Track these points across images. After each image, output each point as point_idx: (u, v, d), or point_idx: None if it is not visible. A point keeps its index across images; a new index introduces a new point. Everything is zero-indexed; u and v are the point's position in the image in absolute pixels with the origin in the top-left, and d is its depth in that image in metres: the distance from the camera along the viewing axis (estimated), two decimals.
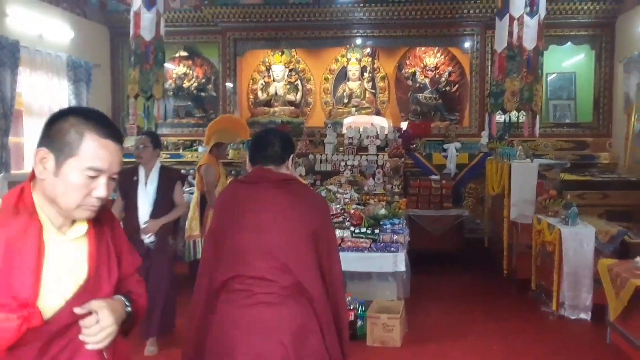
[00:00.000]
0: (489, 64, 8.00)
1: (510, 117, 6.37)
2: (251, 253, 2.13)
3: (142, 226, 4.19)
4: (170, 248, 4.44)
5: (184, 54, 8.70)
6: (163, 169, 4.39)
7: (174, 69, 8.71)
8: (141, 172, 4.30)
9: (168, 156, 8.24)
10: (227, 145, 5.95)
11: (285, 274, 2.11)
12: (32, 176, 1.47)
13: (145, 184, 4.26)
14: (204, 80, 8.72)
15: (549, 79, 8.22)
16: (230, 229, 2.20)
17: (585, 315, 4.97)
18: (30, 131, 6.45)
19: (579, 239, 4.97)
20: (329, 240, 2.31)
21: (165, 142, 8.46)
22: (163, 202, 4.30)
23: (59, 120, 1.46)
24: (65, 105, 7.00)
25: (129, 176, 4.24)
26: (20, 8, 6.29)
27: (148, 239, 4.20)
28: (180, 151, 8.32)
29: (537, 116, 5.95)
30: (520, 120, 6.45)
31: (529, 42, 5.88)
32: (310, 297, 2.14)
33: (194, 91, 8.72)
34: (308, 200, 2.31)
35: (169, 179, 4.38)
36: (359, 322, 4.62)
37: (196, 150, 8.31)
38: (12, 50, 5.92)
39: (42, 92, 6.63)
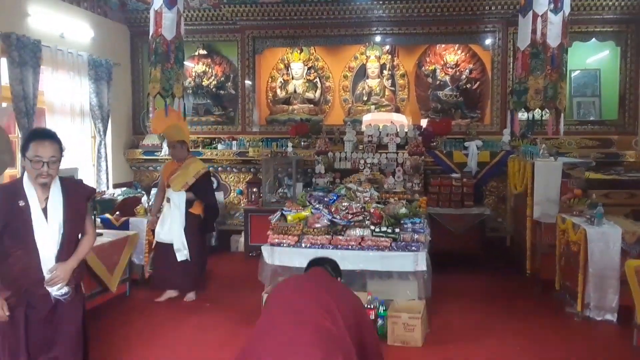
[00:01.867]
0: (511, 61, 7.88)
1: (533, 114, 6.26)
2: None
3: (47, 275, 2.96)
4: (83, 297, 3.25)
5: (203, 52, 8.72)
6: (66, 184, 3.09)
7: (193, 67, 8.73)
8: (30, 192, 2.95)
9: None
10: (175, 144, 5.84)
11: None
12: None
13: (45, 210, 2.96)
14: (223, 79, 8.73)
15: (572, 75, 8.07)
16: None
17: (611, 317, 4.87)
18: (52, 129, 6.49)
19: (605, 240, 4.87)
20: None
21: None
22: (73, 235, 3.11)
23: None
24: (86, 104, 7.08)
25: (9, 200, 2.92)
26: (41, 8, 6.35)
27: (57, 291, 2.99)
28: (200, 149, 8.34)
29: (562, 114, 5.83)
30: (544, 118, 6.34)
31: (553, 39, 5.76)
32: None
33: (213, 89, 8.73)
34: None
35: (78, 197, 3.14)
36: (380, 322, 4.58)
37: (215, 147, 8.33)
38: (34, 50, 5.98)
39: (64, 91, 6.68)
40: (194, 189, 5.73)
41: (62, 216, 2.99)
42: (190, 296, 5.75)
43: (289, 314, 2.57)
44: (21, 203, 2.91)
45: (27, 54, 5.87)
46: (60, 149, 2.98)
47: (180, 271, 5.67)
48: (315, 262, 3.40)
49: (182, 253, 5.61)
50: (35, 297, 2.97)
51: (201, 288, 5.97)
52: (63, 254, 3.02)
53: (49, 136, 2.96)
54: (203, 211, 5.86)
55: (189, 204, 5.71)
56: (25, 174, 2.95)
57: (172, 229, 5.63)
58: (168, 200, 5.69)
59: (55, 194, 3.00)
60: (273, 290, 3.02)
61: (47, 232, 2.95)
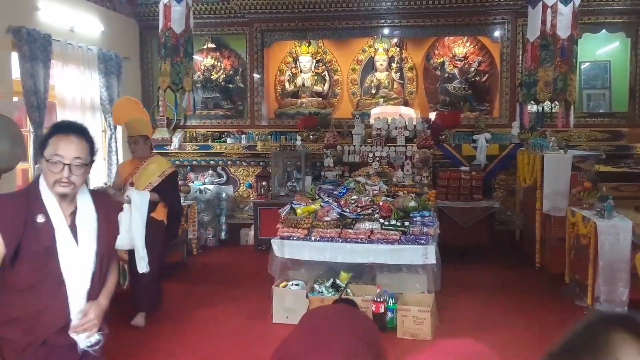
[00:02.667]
0: (520, 53, 7.83)
1: (543, 107, 6.23)
2: None
3: (76, 319, 2.15)
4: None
5: (212, 45, 8.73)
6: (95, 195, 2.35)
7: (202, 60, 8.75)
8: (51, 203, 2.15)
9: (197, 148, 8.31)
10: (137, 139, 5.06)
11: None
12: None
13: (73, 228, 2.18)
14: (231, 72, 8.74)
15: (582, 67, 8.02)
16: None
17: (622, 310, 4.86)
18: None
19: (615, 233, 4.85)
20: None
21: (194, 134, 8.55)
22: (108, 263, 2.34)
23: None
24: (97, 98, 7.11)
25: (23, 214, 2.10)
26: (51, 2, 6.38)
27: (87, 339, 2.17)
28: (209, 142, 8.37)
29: (572, 106, 5.81)
30: (553, 111, 6.31)
31: (563, 30, 5.73)
32: None
33: (222, 83, 8.75)
34: None
35: (110, 211, 2.39)
36: (389, 315, 4.60)
37: (224, 141, 8.36)
38: (45, 44, 6.01)
39: (74, 85, 6.72)
40: (159, 191, 4.93)
41: (96, 237, 2.22)
42: (139, 320, 4.82)
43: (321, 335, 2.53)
44: (40, 218, 2.10)
45: (37, 48, 5.90)
46: (91, 150, 2.25)
47: (139, 286, 4.92)
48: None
49: (143, 263, 4.67)
50: (55, 350, 2.14)
51: (156, 309, 5.11)
52: (95, 290, 2.23)
53: (77, 131, 2.22)
54: (167, 217, 5.06)
55: (151, 207, 4.84)
56: (41, 179, 2.15)
57: (131, 233, 4.63)
58: (128, 202, 4.70)
59: (86, 206, 2.24)
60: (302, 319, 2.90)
61: (78, 258, 2.15)
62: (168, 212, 5.07)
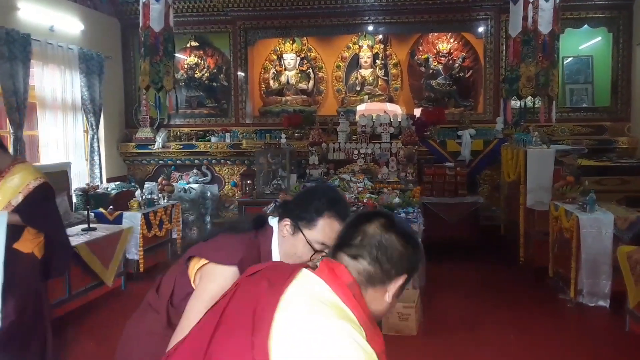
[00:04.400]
0: (504, 49, 7.86)
1: (525, 102, 6.26)
2: None
3: None
4: None
5: (195, 44, 8.67)
6: None
7: (186, 59, 8.69)
8: None
9: (181, 147, 8.26)
10: None
11: None
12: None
13: None
14: (215, 70, 8.69)
15: (565, 62, 8.06)
16: None
17: (604, 303, 4.90)
18: (44, 123, 6.48)
19: (597, 226, 4.89)
20: None
21: (178, 133, 8.49)
22: None
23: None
24: (78, 98, 7.03)
25: None
26: (30, 2, 6.29)
27: None
28: (194, 141, 8.32)
29: (554, 102, 5.84)
30: (536, 106, 6.34)
31: (545, 26, 5.76)
32: None
33: (206, 81, 8.69)
34: None
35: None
36: None
37: (209, 140, 8.31)
38: (24, 44, 5.93)
39: (55, 85, 6.64)
40: (21, 212, 3.46)
41: None
42: None
43: None
44: None
45: (16, 49, 5.82)
46: None
47: None
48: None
49: None
50: None
51: None
52: None
53: None
54: (43, 249, 3.65)
55: (15, 234, 3.43)
56: (277, 236, 1.96)
57: None
58: None
59: None
60: None
61: None
62: (46, 243, 3.67)
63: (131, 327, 2.01)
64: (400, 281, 1.34)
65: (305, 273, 1.35)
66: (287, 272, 1.36)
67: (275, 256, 1.86)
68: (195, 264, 1.84)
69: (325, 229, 1.78)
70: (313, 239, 1.79)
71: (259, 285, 1.33)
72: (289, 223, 1.83)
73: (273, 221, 1.92)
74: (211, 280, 1.75)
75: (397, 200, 5.34)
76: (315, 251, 1.79)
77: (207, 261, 1.80)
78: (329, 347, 1.15)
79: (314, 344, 1.16)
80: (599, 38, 8.06)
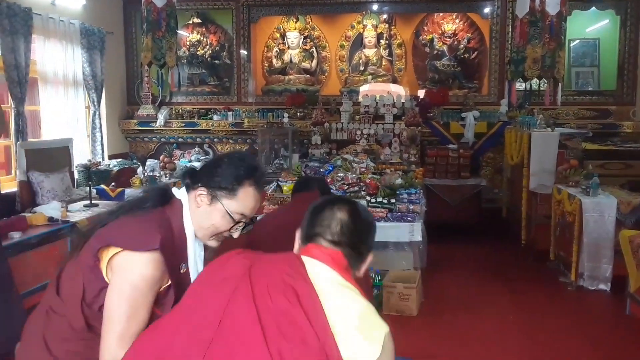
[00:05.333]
0: (510, 30, 7.76)
1: (531, 85, 6.21)
2: None
3: None
4: None
5: (198, 20, 8.57)
6: None
7: (188, 36, 8.60)
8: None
9: (183, 124, 8.22)
10: None
11: None
12: None
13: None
14: (218, 48, 8.60)
15: (571, 45, 7.98)
16: None
17: (605, 286, 4.91)
18: (46, 99, 6.43)
19: (599, 210, 4.88)
20: None
21: (180, 111, 8.44)
22: None
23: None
24: (79, 73, 6.97)
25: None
26: None
27: None
28: (195, 119, 8.28)
29: (560, 84, 5.79)
30: (541, 88, 6.29)
31: (552, 7, 5.69)
32: None
33: (208, 59, 8.61)
34: None
35: None
36: (375, 291, 4.61)
37: (211, 118, 8.26)
38: (25, 18, 5.86)
39: (56, 60, 6.58)
40: None
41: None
42: None
43: None
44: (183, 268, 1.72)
45: (18, 23, 5.75)
46: None
47: None
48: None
49: None
50: None
51: None
52: None
53: None
54: None
55: None
56: (188, 209, 1.74)
57: None
58: None
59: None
60: None
61: None
62: None
63: (33, 336, 1.68)
64: (368, 259, 1.51)
65: (308, 260, 1.41)
66: (292, 264, 1.39)
67: (189, 230, 1.70)
68: (105, 255, 1.58)
69: (246, 199, 1.69)
70: (233, 210, 1.68)
71: (273, 288, 1.34)
72: (204, 192, 1.68)
73: (179, 192, 1.75)
74: (129, 270, 1.54)
75: (399, 181, 5.32)
76: (235, 222, 1.70)
77: (119, 249, 1.56)
78: (369, 323, 1.32)
79: (358, 322, 1.30)
80: (607, 20, 7.95)
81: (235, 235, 1.75)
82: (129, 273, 1.54)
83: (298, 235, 1.53)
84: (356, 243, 1.46)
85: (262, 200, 1.82)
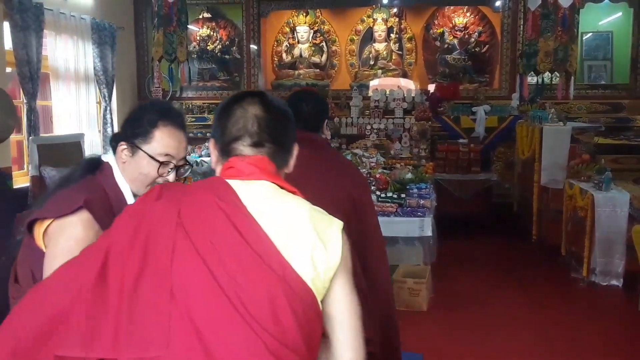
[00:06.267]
0: (522, 23, 7.69)
1: (543, 78, 6.16)
2: None
3: None
4: None
5: (208, 15, 8.57)
6: None
7: (198, 31, 8.61)
8: None
9: (194, 120, 8.24)
10: None
11: None
12: None
13: None
14: (228, 43, 8.60)
15: (584, 38, 7.89)
16: None
17: (617, 282, 4.87)
18: (57, 94, 6.47)
19: (612, 205, 4.84)
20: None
21: (190, 105, 8.46)
22: None
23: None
24: (91, 68, 7.01)
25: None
26: None
27: None
28: (205, 114, 8.30)
29: (572, 77, 5.74)
30: (553, 82, 6.24)
31: None
32: None
33: (218, 54, 8.62)
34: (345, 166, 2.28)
35: None
36: None
37: None
38: (37, 14, 5.89)
39: (68, 56, 6.61)
40: None
41: None
42: None
43: None
44: None
45: (29, 18, 5.78)
46: None
47: None
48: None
49: None
50: None
51: None
52: None
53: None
54: None
55: None
56: (117, 169, 1.76)
57: None
58: None
59: None
60: None
61: None
62: None
63: None
64: (295, 152, 1.36)
65: (236, 185, 1.24)
66: (222, 196, 1.20)
67: (125, 188, 1.70)
68: (38, 231, 1.58)
69: (163, 139, 1.69)
70: (154, 152, 1.68)
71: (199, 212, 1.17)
72: (125, 145, 1.70)
73: (108, 157, 1.76)
74: (60, 236, 1.53)
75: (409, 176, 5.31)
76: (161, 163, 1.69)
77: (50, 220, 1.55)
78: (321, 227, 1.20)
79: (311, 226, 1.19)
80: (620, 13, 7.86)
81: (171, 178, 1.71)
82: (61, 239, 1.53)
83: (213, 147, 1.38)
84: (278, 137, 1.31)
85: (186, 139, 1.76)
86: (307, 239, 1.17)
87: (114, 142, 1.75)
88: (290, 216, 1.20)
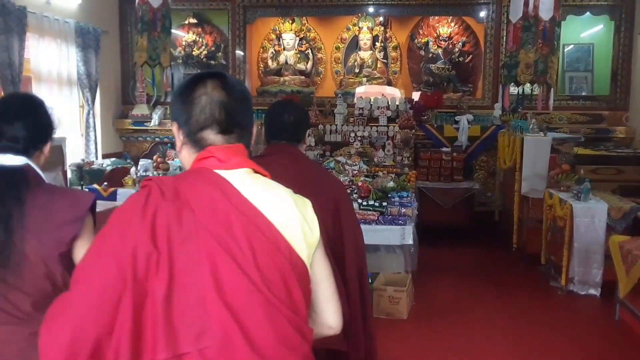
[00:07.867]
0: (504, 34, 7.77)
1: (524, 89, 6.24)
2: None
3: None
4: None
5: (194, 21, 8.56)
6: None
7: (184, 36, 8.60)
8: None
9: None
10: None
11: None
12: None
13: None
14: (213, 48, 8.60)
15: (566, 50, 8.01)
16: None
17: (595, 291, 4.93)
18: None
19: (590, 215, 4.91)
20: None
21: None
22: None
23: None
24: (74, 72, 6.96)
25: None
26: None
27: None
28: None
29: (552, 89, 5.82)
30: (534, 93, 6.32)
31: (546, 12, 5.73)
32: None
33: (204, 59, 8.60)
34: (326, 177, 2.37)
35: None
36: None
37: None
38: (20, 17, 5.84)
39: (51, 59, 6.56)
40: None
41: None
42: None
43: None
44: None
45: (12, 21, 5.73)
46: None
47: None
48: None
49: None
50: None
51: None
52: None
53: None
54: None
55: None
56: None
57: None
58: None
59: None
60: None
61: None
62: None
63: None
64: (255, 129, 1.49)
65: (225, 174, 1.27)
66: (217, 181, 1.25)
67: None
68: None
69: None
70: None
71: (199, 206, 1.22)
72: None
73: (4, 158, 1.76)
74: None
75: (391, 184, 5.34)
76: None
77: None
78: (300, 206, 1.33)
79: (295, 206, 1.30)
80: (601, 26, 7.99)
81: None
82: None
83: (177, 131, 1.35)
84: (243, 120, 1.34)
85: None
86: (297, 220, 1.28)
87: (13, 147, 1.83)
88: (279, 200, 1.30)
